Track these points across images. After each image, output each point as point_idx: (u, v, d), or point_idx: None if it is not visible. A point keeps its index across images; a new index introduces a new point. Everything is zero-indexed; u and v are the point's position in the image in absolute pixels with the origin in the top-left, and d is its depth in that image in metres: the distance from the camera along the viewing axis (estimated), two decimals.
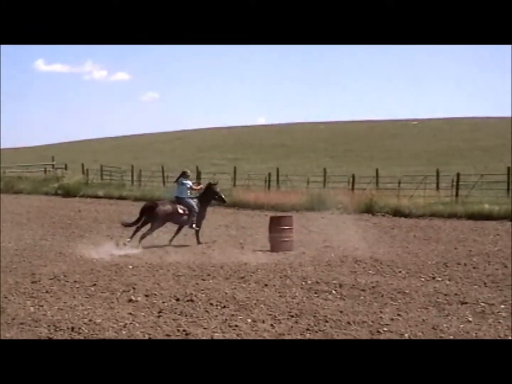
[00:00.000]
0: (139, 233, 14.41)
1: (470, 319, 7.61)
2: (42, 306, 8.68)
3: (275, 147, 61.25)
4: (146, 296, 9.18)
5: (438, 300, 8.66)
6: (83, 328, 7.41)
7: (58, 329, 7.41)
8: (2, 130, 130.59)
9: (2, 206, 23.65)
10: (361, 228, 18.00)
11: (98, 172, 36.95)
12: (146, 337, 6.97)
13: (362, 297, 8.92)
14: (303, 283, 9.97)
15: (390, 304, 8.49)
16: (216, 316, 7.96)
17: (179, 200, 14.91)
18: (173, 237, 14.93)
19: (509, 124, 57.53)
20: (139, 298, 9.03)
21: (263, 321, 7.63)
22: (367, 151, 53.42)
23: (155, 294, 9.26)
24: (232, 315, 7.99)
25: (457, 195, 23.75)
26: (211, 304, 8.60)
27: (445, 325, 7.31)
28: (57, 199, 31.11)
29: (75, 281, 10.36)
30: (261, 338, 6.87)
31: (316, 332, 7.12)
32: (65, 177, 35.37)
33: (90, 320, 7.78)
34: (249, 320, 7.69)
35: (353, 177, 26.64)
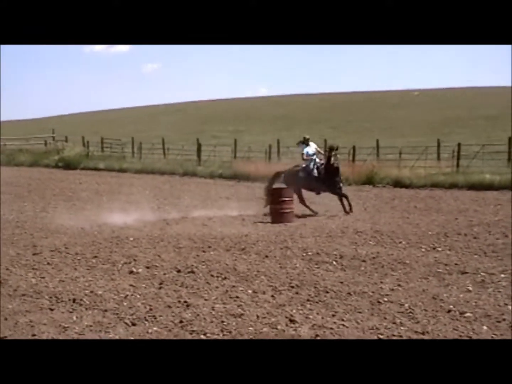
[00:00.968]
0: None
1: (470, 288, 7.63)
2: (43, 277, 8.71)
3: (276, 119, 60.86)
4: (147, 267, 9.21)
5: (438, 270, 8.67)
6: (84, 299, 7.46)
7: (59, 301, 7.46)
8: (2, 103, 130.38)
9: (3, 178, 23.64)
10: (361, 199, 18.04)
11: (98, 144, 36.89)
12: (147, 308, 7.02)
13: (362, 268, 8.93)
14: (304, 254, 9.98)
15: (391, 274, 8.50)
16: (217, 287, 7.99)
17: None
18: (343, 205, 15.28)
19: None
20: (140, 270, 9.06)
21: (264, 292, 7.66)
22: (368, 122, 53.06)
23: (156, 266, 9.28)
24: (233, 286, 8.02)
25: (458, 165, 23.71)
26: (212, 275, 8.62)
27: (445, 294, 7.34)
28: (58, 172, 31.13)
29: (76, 253, 10.39)
30: (262, 308, 6.91)
31: (317, 302, 7.15)
32: (66, 150, 35.33)
33: (91, 292, 7.82)
34: (249, 291, 7.71)
35: (354, 148, 26.55)
